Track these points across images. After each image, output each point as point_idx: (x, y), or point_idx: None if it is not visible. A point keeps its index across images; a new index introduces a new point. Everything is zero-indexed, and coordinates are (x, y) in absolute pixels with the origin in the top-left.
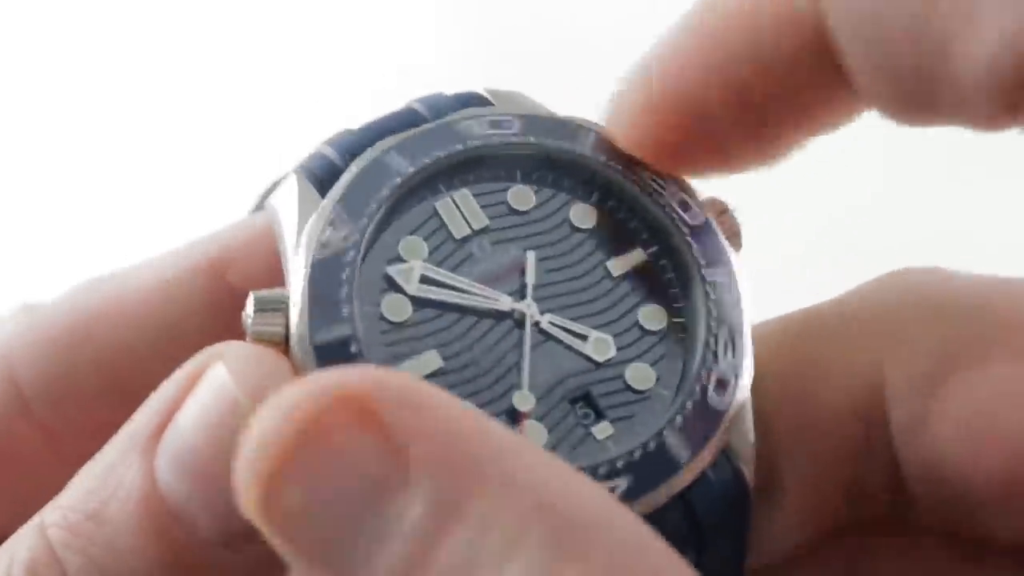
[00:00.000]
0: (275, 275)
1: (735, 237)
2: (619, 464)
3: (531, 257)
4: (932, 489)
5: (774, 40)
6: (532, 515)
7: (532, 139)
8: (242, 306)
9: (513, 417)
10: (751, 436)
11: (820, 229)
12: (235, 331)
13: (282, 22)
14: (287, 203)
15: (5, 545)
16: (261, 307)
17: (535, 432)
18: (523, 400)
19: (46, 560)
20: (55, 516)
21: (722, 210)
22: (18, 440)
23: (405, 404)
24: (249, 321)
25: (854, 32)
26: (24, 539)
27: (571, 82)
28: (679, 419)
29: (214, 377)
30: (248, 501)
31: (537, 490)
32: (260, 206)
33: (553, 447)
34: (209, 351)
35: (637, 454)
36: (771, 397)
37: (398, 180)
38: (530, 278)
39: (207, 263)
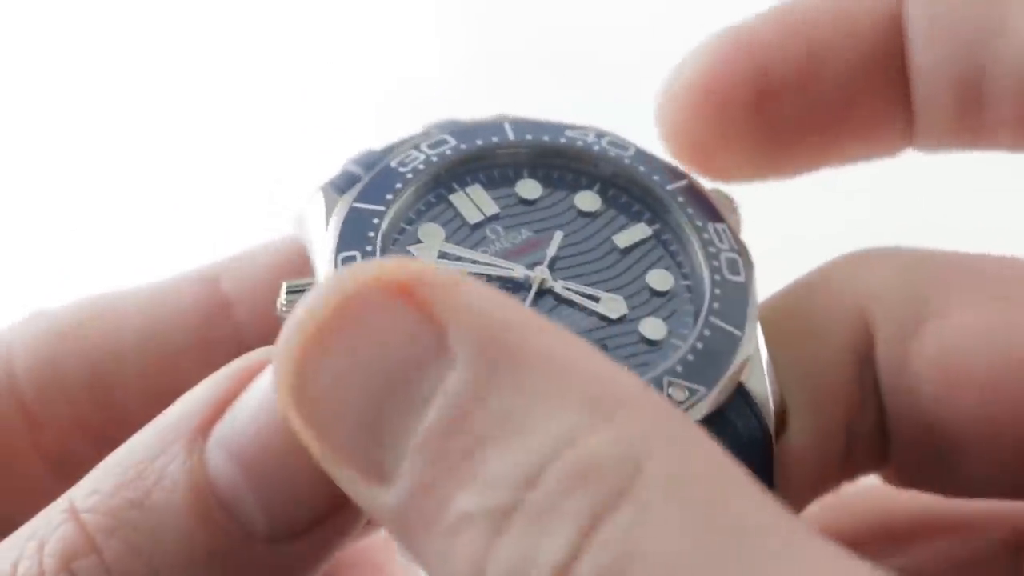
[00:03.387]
0: (267, 286)
1: (733, 213)
2: None
3: (558, 236)
4: (911, 428)
5: (850, 36)
6: (569, 380)
7: (529, 137)
8: (233, 314)
9: None
10: (768, 384)
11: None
12: (225, 338)
13: (286, 33)
14: (314, 210)
15: (25, 530)
16: (292, 292)
17: None
18: None
19: (83, 547)
20: (91, 501)
21: (722, 197)
22: (3, 421)
23: (443, 284)
24: (282, 306)
25: (932, 25)
26: (54, 524)
27: (574, 91)
28: (690, 357)
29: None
30: (282, 385)
31: (574, 361)
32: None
33: None
34: (262, 351)
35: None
36: (769, 347)
37: (410, 174)
38: (551, 251)
39: (200, 272)
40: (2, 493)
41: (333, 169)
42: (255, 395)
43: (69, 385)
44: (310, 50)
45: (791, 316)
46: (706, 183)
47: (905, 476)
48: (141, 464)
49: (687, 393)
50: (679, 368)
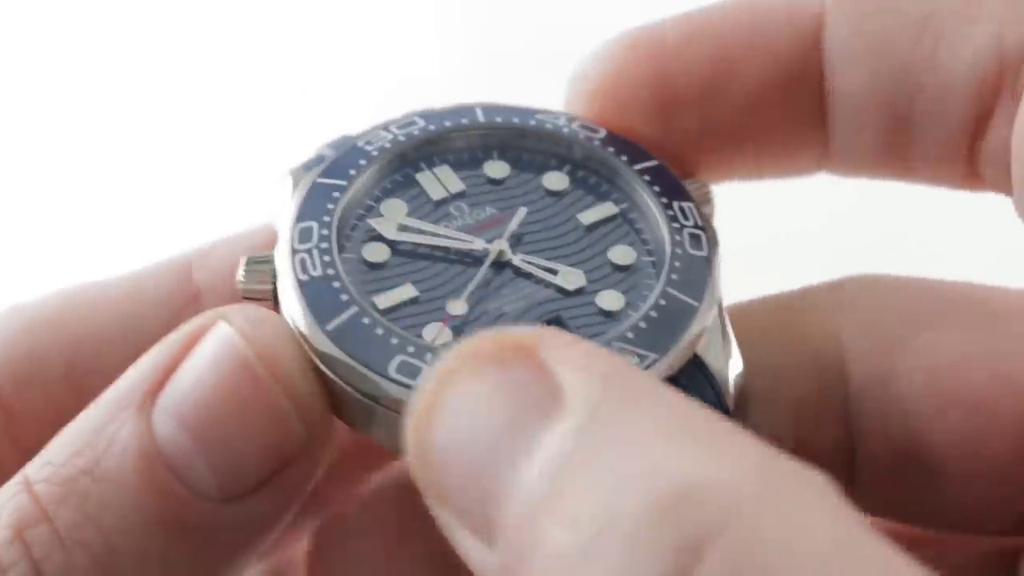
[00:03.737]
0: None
1: (707, 203)
2: None
3: (521, 211)
4: (887, 447)
5: (763, 51)
6: (675, 418)
7: (499, 119)
8: (206, 305)
9: (440, 318)
10: (729, 360)
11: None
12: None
13: (286, 33)
14: (283, 189)
15: None
16: (250, 266)
17: None
18: (455, 306)
19: (35, 516)
20: (43, 472)
21: (699, 187)
22: None
23: (558, 343)
24: (241, 279)
25: (855, 49)
26: (7, 496)
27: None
28: (643, 324)
29: (221, 335)
30: (413, 428)
31: (677, 403)
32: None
33: None
34: (208, 314)
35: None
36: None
37: (375, 152)
38: (513, 225)
39: (175, 262)
40: None
41: (307, 152)
42: (200, 358)
43: (46, 378)
44: (310, 50)
45: (762, 326)
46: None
47: (872, 500)
48: (92, 433)
49: (637, 359)
50: (630, 335)
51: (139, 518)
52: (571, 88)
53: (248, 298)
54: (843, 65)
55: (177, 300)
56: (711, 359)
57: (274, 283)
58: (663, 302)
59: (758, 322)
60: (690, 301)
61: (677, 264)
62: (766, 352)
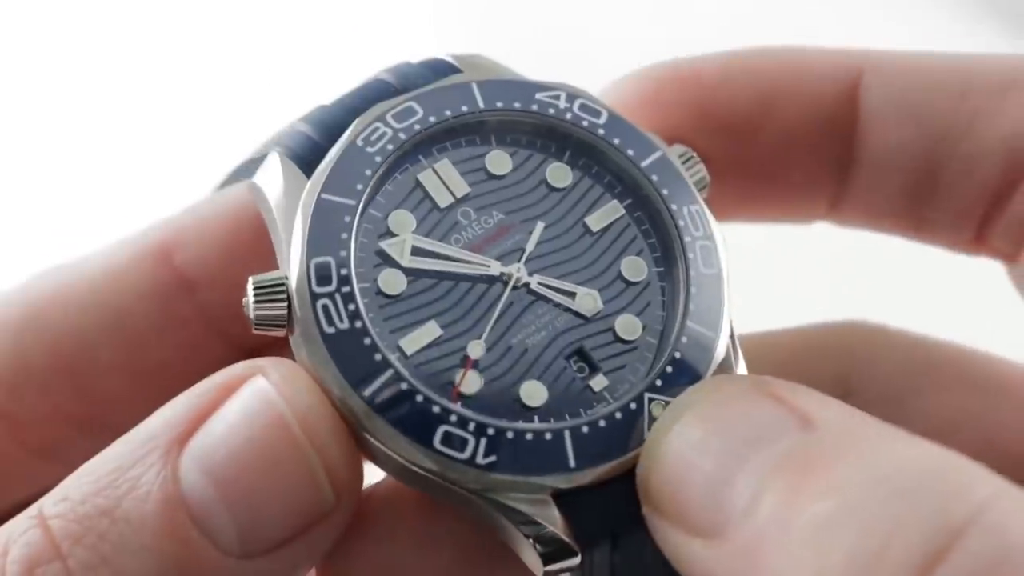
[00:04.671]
0: (224, 259)
1: (701, 184)
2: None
3: (539, 227)
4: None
5: (804, 97)
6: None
7: (500, 104)
8: (189, 288)
9: (463, 362)
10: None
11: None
12: (179, 314)
13: (286, 32)
14: (273, 183)
15: None
16: (260, 291)
17: (535, 390)
18: (475, 348)
19: (48, 554)
20: (60, 508)
21: (686, 157)
22: None
23: (798, 391)
24: (251, 306)
25: (891, 107)
26: (20, 530)
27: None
28: (669, 369)
29: (258, 390)
30: (653, 441)
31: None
32: (231, 181)
33: (554, 402)
34: (243, 365)
35: (619, 415)
36: None
37: (378, 156)
38: (530, 246)
39: (154, 248)
40: None
41: (281, 125)
42: (234, 411)
43: (40, 376)
44: (310, 50)
45: (774, 361)
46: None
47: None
48: (114, 473)
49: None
50: (658, 383)
51: (155, 565)
52: (605, 98)
53: (261, 324)
54: (879, 123)
55: (162, 290)
56: None
57: (288, 309)
58: (684, 339)
59: (768, 357)
60: (708, 333)
61: (693, 291)
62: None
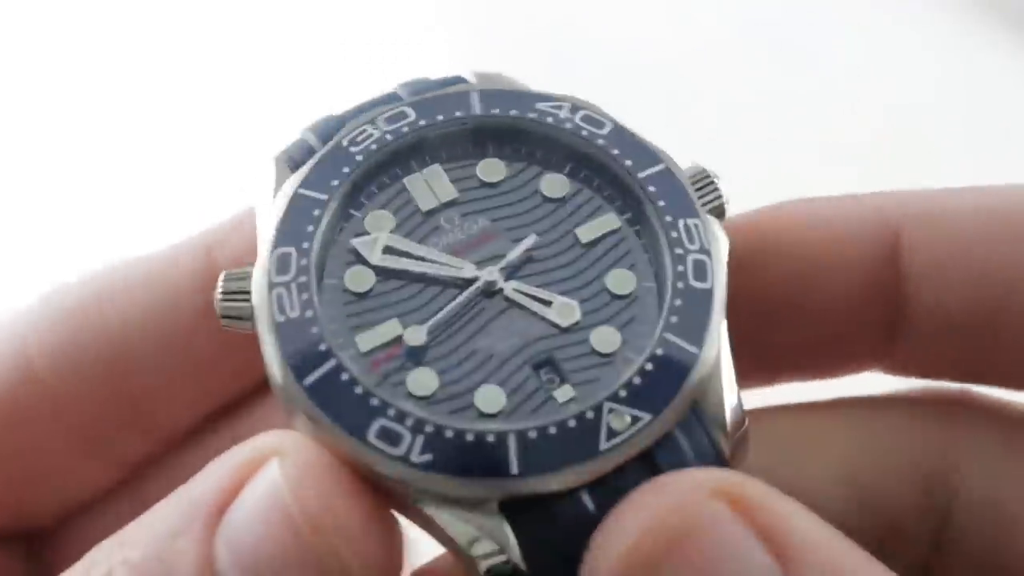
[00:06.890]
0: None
1: (718, 211)
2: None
3: (531, 238)
4: (978, 563)
5: (842, 268)
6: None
7: (496, 111)
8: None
9: (415, 361)
10: (728, 408)
11: None
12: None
13: (286, 32)
14: (264, 183)
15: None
16: (228, 285)
17: (492, 395)
18: (413, 333)
19: None
20: (121, 571)
21: (704, 181)
22: (22, 406)
23: (782, 513)
24: (219, 295)
25: (938, 262)
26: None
27: (573, 92)
28: (637, 380)
29: (269, 479)
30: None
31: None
32: None
33: (512, 411)
34: (267, 439)
35: (572, 423)
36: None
37: (360, 155)
38: (513, 254)
39: (196, 244)
40: (30, 477)
41: (290, 136)
42: (252, 499)
43: (87, 365)
44: (310, 50)
45: (869, 428)
46: (686, 163)
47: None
48: (165, 539)
49: (628, 421)
50: (623, 393)
51: None
52: None
53: (226, 316)
54: (925, 275)
55: (200, 282)
56: (709, 404)
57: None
58: (660, 351)
59: (863, 423)
60: (690, 349)
61: (678, 303)
62: (870, 455)
